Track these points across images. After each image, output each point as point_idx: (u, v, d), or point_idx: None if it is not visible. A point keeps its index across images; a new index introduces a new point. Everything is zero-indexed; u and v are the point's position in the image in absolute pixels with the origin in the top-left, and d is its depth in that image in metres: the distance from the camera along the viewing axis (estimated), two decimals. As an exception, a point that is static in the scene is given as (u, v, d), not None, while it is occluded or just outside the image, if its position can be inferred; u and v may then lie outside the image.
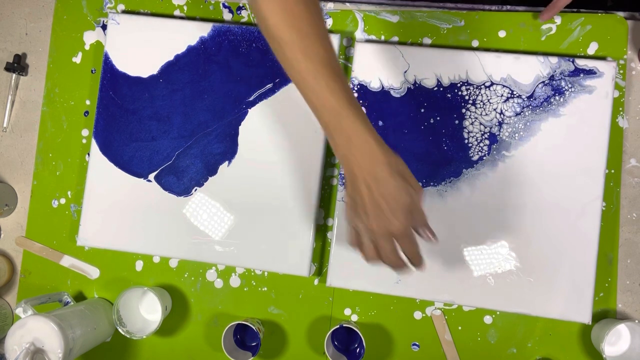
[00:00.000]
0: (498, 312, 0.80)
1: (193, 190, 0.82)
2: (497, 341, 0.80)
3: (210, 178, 0.82)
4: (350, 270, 0.78)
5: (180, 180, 0.82)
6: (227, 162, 0.81)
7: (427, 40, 0.82)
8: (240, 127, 0.81)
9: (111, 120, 0.83)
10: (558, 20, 0.80)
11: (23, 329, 0.71)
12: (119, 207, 0.82)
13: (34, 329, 0.71)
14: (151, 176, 0.82)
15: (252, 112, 0.81)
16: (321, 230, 0.83)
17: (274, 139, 0.81)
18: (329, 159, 0.83)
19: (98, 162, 0.83)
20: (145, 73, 0.83)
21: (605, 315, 0.79)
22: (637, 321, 0.76)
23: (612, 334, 0.77)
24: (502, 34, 0.82)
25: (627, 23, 0.80)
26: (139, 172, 0.83)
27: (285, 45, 0.57)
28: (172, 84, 0.83)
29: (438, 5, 0.83)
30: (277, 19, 0.56)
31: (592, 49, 0.80)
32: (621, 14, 0.80)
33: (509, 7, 0.82)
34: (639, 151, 0.80)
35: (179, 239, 0.81)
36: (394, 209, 0.57)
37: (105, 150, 0.83)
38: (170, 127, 0.82)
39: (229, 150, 0.81)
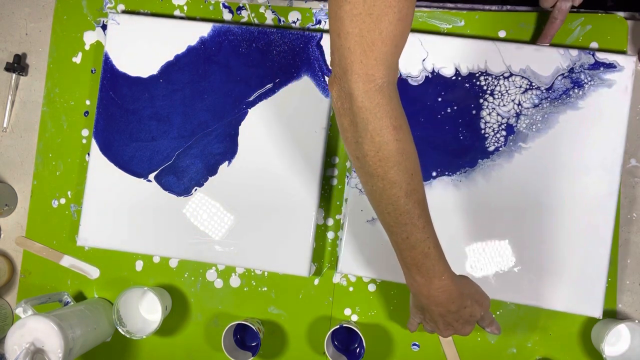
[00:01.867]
0: (499, 312, 0.80)
1: (193, 190, 0.82)
2: (497, 341, 0.80)
3: (210, 178, 0.82)
4: (362, 257, 0.78)
5: (180, 180, 0.82)
6: (227, 162, 0.81)
7: (427, 40, 0.82)
8: (240, 127, 0.81)
9: (111, 120, 0.83)
10: (558, 20, 0.80)
11: (23, 329, 0.71)
12: (119, 207, 0.82)
13: (34, 329, 0.71)
14: (151, 176, 0.82)
15: (252, 112, 0.81)
16: (321, 230, 0.83)
17: (274, 139, 0.81)
18: (329, 159, 0.83)
19: (98, 162, 0.83)
20: (145, 73, 0.83)
21: (605, 315, 0.79)
22: (637, 321, 0.76)
23: (612, 334, 0.76)
24: (502, 34, 0.81)
25: (627, 23, 0.80)
26: (139, 172, 0.83)
27: (388, 184, 0.55)
28: (172, 84, 0.83)
29: (438, 5, 0.83)
30: (385, 159, 0.53)
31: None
32: (621, 14, 0.80)
33: (509, 7, 0.82)
34: (639, 151, 0.80)
35: (179, 239, 0.81)
36: (464, 325, 0.64)
37: (105, 150, 0.83)
38: (170, 127, 0.82)
39: (229, 150, 0.81)
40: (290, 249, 0.79)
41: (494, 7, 0.82)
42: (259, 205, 0.80)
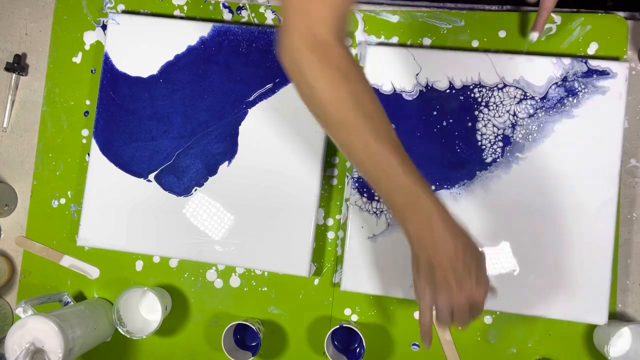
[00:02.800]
0: (498, 312, 0.80)
1: (193, 190, 0.82)
2: (497, 341, 0.80)
3: (210, 178, 0.82)
4: (364, 274, 0.78)
5: (180, 180, 0.82)
6: (227, 162, 0.82)
7: (427, 41, 0.82)
8: (240, 127, 0.81)
9: (111, 120, 0.83)
10: (558, 20, 0.80)
11: (23, 329, 0.71)
12: (119, 207, 0.82)
13: (34, 329, 0.71)
14: (151, 176, 0.82)
15: (252, 112, 0.81)
16: (321, 230, 0.83)
17: (274, 138, 0.81)
18: (329, 159, 0.83)
19: (98, 162, 0.83)
20: (145, 73, 0.83)
21: (605, 315, 0.79)
22: None
23: (614, 336, 0.76)
24: (502, 34, 0.82)
25: (627, 23, 0.80)
26: (139, 172, 0.83)
27: (352, 130, 0.55)
28: (172, 84, 0.83)
29: (438, 5, 0.83)
30: (339, 104, 0.55)
31: (592, 49, 0.80)
32: (621, 14, 0.80)
33: (509, 7, 0.82)
34: (639, 151, 0.80)
35: (179, 239, 0.81)
36: (479, 277, 0.58)
37: (105, 150, 0.83)
38: (170, 127, 0.82)
39: (229, 150, 0.81)
40: (290, 249, 0.79)
41: (494, 7, 0.82)
42: (259, 205, 0.80)
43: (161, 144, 0.83)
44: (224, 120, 0.82)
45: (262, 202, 0.80)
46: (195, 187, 0.82)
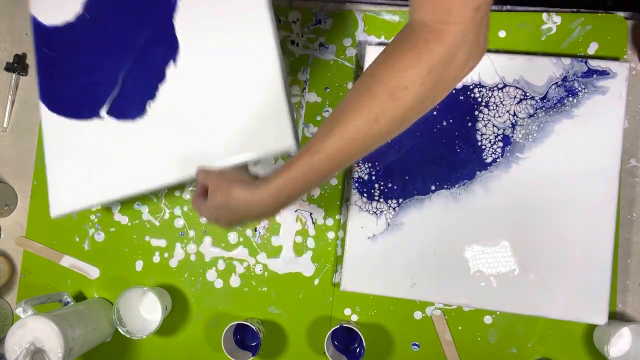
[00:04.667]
0: (498, 312, 0.80)
1: (147, 107, 0.74)
2: (497, 341, 0.80)
3: (160, 87, 0.74)
4: (364, 274, 0.78)
5: (132, 102, 0.74)
6: (172, 62, 0.73)
7: (427, 40, 0.82)
8: (174, 21, 0.73)
9: (53, 75, 0.78)
10: (558, 20, 0.80)
11: (23, 329, 0.71)
12: (83, 159, 0.76)
13: (34, 329, 0.71)
14: (103, 112, 0.75)
15: (181, 3, 0.73)
16: (321, 230, 0.83)
17: (216, 25, 0.72)
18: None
19: (50, 121, 0.77)
20: (71, 15, 0.77)
21: (605, 315, 0.79)
22: None
23: (615, 336, 0.76)
24: (502, 34, 0.82)
25: (627, 23, 0.80)
26: (90, 112, 0.76)
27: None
28: (97, 12, 0.76)
29: (438, 5, 0.83)
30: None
31: (592, 49, 0.80)
32: (621, 14, 0.80)
33: (509, 7, 0.82)
34: (639, 151, 0.80)
35: (153, 165, 0.73)
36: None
37: (53, 105, 0.77)
38: (106, 56, 0.75)
39: (168, 46, 0.73)
40: (267, 126, 0.69)
41: (494, 7, 0.82)
42: (218, 102, 0.71)
43: (102, 75, 0.76)
44: (152, 19, 0.74)
45: (215, 99, 0.71)
46: (148, 101, 0.74)
